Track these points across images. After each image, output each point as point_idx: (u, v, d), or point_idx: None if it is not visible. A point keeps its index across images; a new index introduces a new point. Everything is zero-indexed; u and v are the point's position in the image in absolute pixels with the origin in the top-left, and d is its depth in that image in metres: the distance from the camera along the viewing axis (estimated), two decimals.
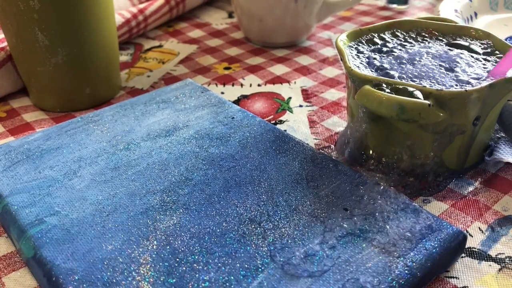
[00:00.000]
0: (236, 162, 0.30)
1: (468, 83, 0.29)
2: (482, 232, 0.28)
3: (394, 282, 0.23)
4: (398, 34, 0.35)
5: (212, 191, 0.28)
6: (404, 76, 0.30)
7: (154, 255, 0.24)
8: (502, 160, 0.31)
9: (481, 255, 0.27)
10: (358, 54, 0.32)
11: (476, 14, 0.51)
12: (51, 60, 0.38)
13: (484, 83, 0.28)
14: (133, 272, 0.23)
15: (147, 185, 0.29)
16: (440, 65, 0.30)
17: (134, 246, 0.25)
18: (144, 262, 0.24)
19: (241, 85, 0.45)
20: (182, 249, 0.24)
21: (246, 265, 0.24)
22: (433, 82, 0.29)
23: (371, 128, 0.31)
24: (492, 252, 0.27)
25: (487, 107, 0.29)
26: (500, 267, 0.26)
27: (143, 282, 0.23)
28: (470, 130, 0.30)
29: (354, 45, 0.34)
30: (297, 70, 0.47)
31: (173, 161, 0.31)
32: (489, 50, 0.32)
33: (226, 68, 0.48)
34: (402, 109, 0.27)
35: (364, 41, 0.34)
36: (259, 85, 0.45)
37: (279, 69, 0.48)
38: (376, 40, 0.34)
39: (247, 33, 0.54)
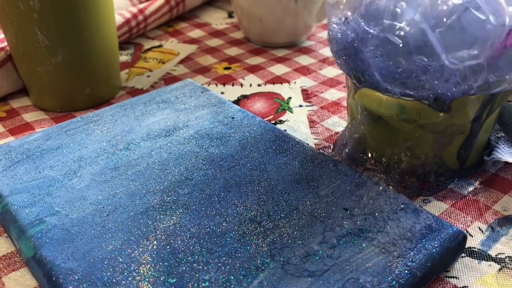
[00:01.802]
0: (236, 162, 0.30)
1: None
2: (482, 232, 0.28)
3: (394, 282, 0.23)
4: None
5: (212, 191, 0.28)
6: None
7: (154, 255, 0.24)
8: (500, 159, 0.31)
9: (481, 255, 0.27)
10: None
11: None
12: (51, 60, 0.38)
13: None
14: (133, 272, 0.23)
15: (147, 185, 0.29)
16: None
17: (134, 246, 0.25)
18: (144, 262, 0.24)
19: (241, 85, 0.45)
20: (182, 249, 0.24)
21: (246, 265, 0.24)
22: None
23: (370, 128, 0.31)
24: (492, 252, 0.27)
25: (487, 107, 0.29)
26: (500, 267, 0.26)
27: (143, 282, 0.23)
28: (470, 130, 0.30)
29: None
30: (297, 70, 0.47)
31: (173, 161, 0.31)
32: None
33: (226, 68, 0.48)
34: (402, 109, 0.27)
35: None
36: (259, 85, 0.45)
37: (279, 69, 0.48)
38: None
39: (247, 33, 0.54)
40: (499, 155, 0.31)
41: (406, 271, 0.23)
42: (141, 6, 0.53)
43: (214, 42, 0.54)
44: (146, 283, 0.23)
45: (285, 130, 0.37)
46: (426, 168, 0.30)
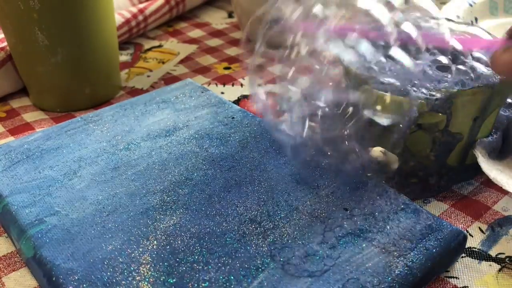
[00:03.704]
0: (236, 162, 0.30)
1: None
2: (482, 232, 0.28)
3: (394, 282, 0.23)
4: None
5: (212, 191, 0.28)
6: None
7: (154, 255, 0.24)
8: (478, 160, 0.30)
9: (481, 255, 0.27)
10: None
11: (476, 19, 0.51)
12: (51, 60, 0.38)
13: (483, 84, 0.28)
14: (133, 272, 0.23)
15: (147, 185, 0.29)
16: None
17: (134, 246, 0.25)
18: (144, 262, 0.24)
19: (241, 85, 0.45)
20: (182, 249, 0.24)
21: (246, 265, 0.24)
22: None
23: (368, 129, 0.31)
24: (492, 252, 0.27)
25: (487, 107, 0.29)
26: (500, 267, 0.26)
27: (143, 282, 0.23)
28: (469, 130, 0.30)
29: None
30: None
31: (173, 161, 0.31)
32: None
33: (226, 68, 0.48)
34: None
35: None
36: (259, 85, 0.45)
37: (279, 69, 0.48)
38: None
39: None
40: (481, 157, 0.30)
41: (406, 271, 0.23)
42: (141, 6, 0.53)
43: (214, 42, 0.54)
44: (146, 283, 0.23)
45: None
46: (428, 169, 0.30)
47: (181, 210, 0.27)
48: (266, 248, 0.24)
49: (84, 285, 0.23)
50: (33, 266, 0.25)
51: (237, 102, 0.42)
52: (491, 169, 0.29)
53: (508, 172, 0.30)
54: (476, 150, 0.30)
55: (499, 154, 0.32)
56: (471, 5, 0.51)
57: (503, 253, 0.27)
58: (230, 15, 0.62)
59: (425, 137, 0.29)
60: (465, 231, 0.28)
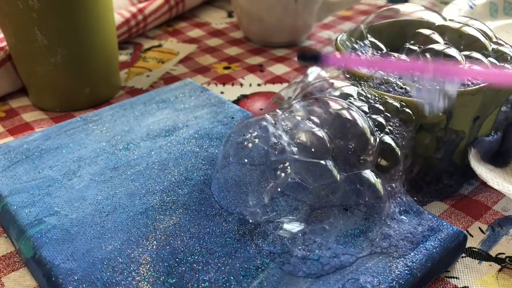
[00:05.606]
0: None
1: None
2: (482, 232, 0.28)
3: (394, 282, 0.23)
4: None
5: (212, 191, 0.28)
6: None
7: (153, 255, 0.24)
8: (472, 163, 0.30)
9: (481, 255, 0.27)
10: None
11: None
12: (50, 60, 0.38)
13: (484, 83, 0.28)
14: (133, 272, 0.23)
15: (146, 185, 0.29)
16: None
17: (134, 246, 0.25)
18: (143, 262, 0.24)
19: (241, 84, 0.45)
20: (182, 249, 0.24)
21: (246, 265, 0.24)
22: None
23: None
24: (493, 252, 0.27)
25: (487, 107, 0.29)
26: (500, 267, 0.26)
27: (142, 282, 0.23)
28: (469, 130, 0.30)
29: (353, 44, 0.34)
30: (297, 70, 0.47)
31: (172, 161, 0.31)
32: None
33: (225, 68, 0.48)
34: (402, 107, 0.27)
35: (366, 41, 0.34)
36: (259, 84, 0.45)
37: (279, 69, 0.48)
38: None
39: (247, 32, 0.53)
40: (473, 162, 0.30)
41: (406, 271, 0.23)
42: (141, 5, 0.53)
43: (214, 41, 0.54)
44: (145, 283, 0.23)
45: None
46: (436, 169, 0.30)
47: (181, 210, 0.27)
48: (266, 249, 0.24)
49: (84, 285, 0.22)
50: (32, 266, 0.25)
51: (236, 101, 0.42)
52: (479, 165, 0.29)
53: (498, 172, 0.30)
54: (472, 147, 0.30)
55: (494, 156, 0.32)
56: (471, 7, 0.51)
57: (503, 253, 0.27)
58: (230, 15, 0.62)
59: (428, 137, 0.29)
60: (465, 231, 0.28)
